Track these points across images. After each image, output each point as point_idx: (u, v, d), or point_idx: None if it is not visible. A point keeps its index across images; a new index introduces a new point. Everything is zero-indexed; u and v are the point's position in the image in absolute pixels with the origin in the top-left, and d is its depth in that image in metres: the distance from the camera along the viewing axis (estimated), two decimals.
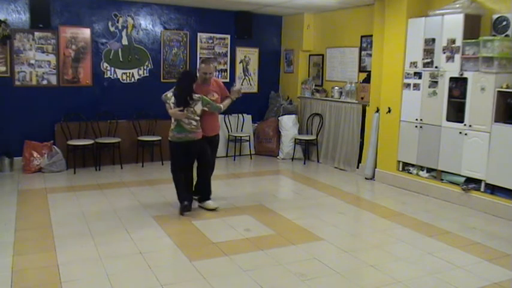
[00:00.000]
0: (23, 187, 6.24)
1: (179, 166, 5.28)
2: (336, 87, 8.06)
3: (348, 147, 7.71)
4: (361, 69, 7.77)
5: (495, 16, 5.52)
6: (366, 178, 7.11)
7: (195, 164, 5.47)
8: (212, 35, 8.62)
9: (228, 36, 8.80)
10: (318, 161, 8.37)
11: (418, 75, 6.26)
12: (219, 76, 8.68)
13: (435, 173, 6.18)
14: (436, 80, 6.04)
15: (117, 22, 7.75)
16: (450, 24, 5.80)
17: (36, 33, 7.14)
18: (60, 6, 7.28)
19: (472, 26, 5.69)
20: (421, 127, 6.27)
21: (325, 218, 5.26)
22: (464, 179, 5.76)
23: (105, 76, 7.75)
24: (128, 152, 7.73)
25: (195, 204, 5.46)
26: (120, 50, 7.81)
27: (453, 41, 5.77)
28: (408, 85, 6.41)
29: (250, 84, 9.20)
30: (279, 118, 8.68)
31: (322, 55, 8.61)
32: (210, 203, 5.40)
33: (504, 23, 5.40)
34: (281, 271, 3.85)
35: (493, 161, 5.39)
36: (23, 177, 6.73)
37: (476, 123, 5.55)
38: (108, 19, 7.66)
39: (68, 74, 7.45)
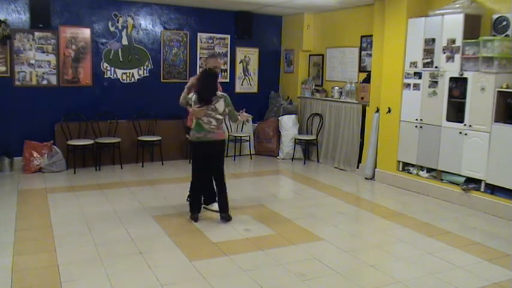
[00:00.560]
0: (23, 187, 6.24)
1: (198, 171, 5.02)
2: (336, 87, 8.06)
3: (348, 147, 7.71)
4: (361, 69, 7.77)
5: (495, 16, 5.52)
6: (366, 178, 7.11)
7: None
8: (212, 35, 8.62)
9: (228, 36, 8.80)
10: (318, 161, 8.37)
11: (418, 75, 6.26)
12: (219, 76, 8.66)
13: (435, 173, 6.17)
14: (436, 80, 6.04)
15: (117, 22, 7.75)
16: (450, 24, 5.80)
17: (36, 33, 7.14)
18: (60, 6, 7.28)
19: (472, 26, 5.69)
20: (421, 127, 6.27)
21: (325, 218, 5.26)
22: (464, 179, 5.75)
23: (105, 76, 7.76)
24: (127, 152, 7.72)
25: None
26: (120, 50, 7.81)
27: (453, 41, 5.77)
28: (408, 85, 6.41)
29: (250, 84, 9.20)
30: (279, 118, 8.68)
31: (322, 55, 8.61)
32: (216, 205, 5.23)
33: (504, 23, 5.40)
34: (281, 271, 3.85)
35: (493, 161, 5.39)
36: (23, 177, 6.73)
37: (476, 123, 5.55)
38: (108, 19, 7.66)
39: (68, 74, 7.45)
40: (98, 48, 7.64)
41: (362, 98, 7.40)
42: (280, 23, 9.35)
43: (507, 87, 5.24)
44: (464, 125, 5.69)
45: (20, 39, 7.05)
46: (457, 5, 5.77)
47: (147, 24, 8.01)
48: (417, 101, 6.30)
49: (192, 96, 4.92)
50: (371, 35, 7.24)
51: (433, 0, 6.31)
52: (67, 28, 7.36)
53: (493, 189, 5.46)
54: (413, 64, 6.31)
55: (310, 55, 8.91)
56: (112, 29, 7.72)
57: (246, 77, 9.14)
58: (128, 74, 7.93)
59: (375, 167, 7.02)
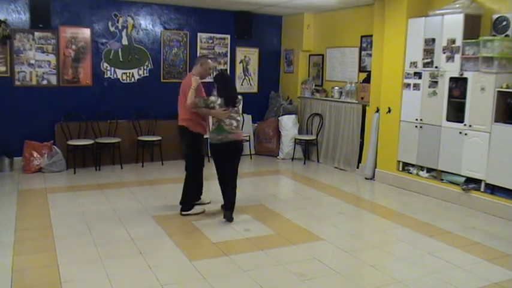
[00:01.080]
0: (23, 187, 6.24)
1: (222, 172, 5.14)
2: (336, 87, 8.06)
3: (348, 147, 7.71)
4: (361, 69, 7.77)
5: (495, 16, 5.52)
6: (366, 178, 7.11)
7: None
8: (212, 35, 8.62)
9: (228, 36, 8.80)
10: (318, 161, 8.37)
11: (418, 75, 6.26)
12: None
13: (435, 173, 6.17)
14: (436, 80, 6.04)
15: (117, 22, 7.75)
16: (450, 24, 5.80)
17: (36, 33, 7.14)
18: (60, 6, 7.28)
19: (472, 26, 5.69)
20: (421, 127, 6.27)
21: (325, 218, 5.26)
22: (464, 179, 5.75)
23: (105, 76, 7.75)
24: (127, 152, 7.73)
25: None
26: (120, 50, 7.81)
27: (453, 41, 5.77)
28: (408, 85, 6.41)
29: (250, 84, 9.20)
30: (279, 118, 8.67)
31: (322, 55, 8.61)
32: (204, 199, 5.59)
33: (504, 23, 5.40)
34: (281, 271, 3.85)
35: (493, 161, 5.39)
36: (23, 177, 6.73)
37: (476, 123, 5.55)
38: (108, 19, 7.66)
39: (68, 74, 7.45)
40: (98, 48, 7.64)
41: (362, 98, 7.40)
42: (280, 23, 9.35)
43: (507, 87, 5.24)
44: (464, 125, 5.69)
45: (20, 39, 7.05)
46: (457, 5, 5.77)
47: (147, 24, 8.01)
48: (417, 101, 6.29)
49: (217, 99, 4.95)
50: (371, 35, 7.24)
51: (433, 0, 6.31)
52: (67, 28, 7.36)
53: (493, 189, 5.46)
54: (413, 64, 6.31)
55: (310, 55, 8.91)
56: (112, 29, 7.71)
57: (246, 77, 9.15)
58: (127, 74, 7.93)
59: (375, 167, 7.02)
